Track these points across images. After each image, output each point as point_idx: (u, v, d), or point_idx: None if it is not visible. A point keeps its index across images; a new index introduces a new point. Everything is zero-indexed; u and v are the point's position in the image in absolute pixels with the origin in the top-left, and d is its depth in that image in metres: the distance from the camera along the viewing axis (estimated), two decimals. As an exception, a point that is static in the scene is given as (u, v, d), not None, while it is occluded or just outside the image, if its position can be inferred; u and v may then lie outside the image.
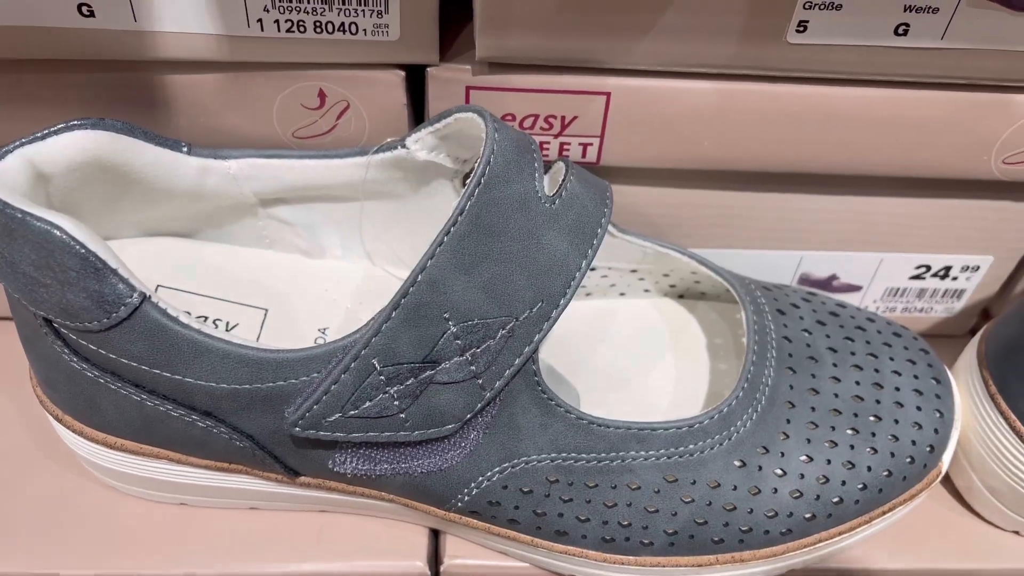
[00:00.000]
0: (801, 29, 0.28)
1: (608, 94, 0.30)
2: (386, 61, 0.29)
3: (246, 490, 0.32)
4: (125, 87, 0.30)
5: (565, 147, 0.32)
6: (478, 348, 0.27)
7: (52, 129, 0.27)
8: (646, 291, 0.38)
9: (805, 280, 0.39)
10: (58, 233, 0.25)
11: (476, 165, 0.26)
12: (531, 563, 0.33)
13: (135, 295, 0.26)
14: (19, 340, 0.29)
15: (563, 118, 0.31)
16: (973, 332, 0.42)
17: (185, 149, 0.30)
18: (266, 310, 0.33)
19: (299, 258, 0.35)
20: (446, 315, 0.26)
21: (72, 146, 0.27)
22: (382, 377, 0.26)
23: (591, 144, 0.32)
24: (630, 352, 0.36)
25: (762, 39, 0.28)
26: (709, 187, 0.35)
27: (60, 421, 0.30)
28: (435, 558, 0.34)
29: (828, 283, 0.39)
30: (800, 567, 0.33)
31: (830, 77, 0.30)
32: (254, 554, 0.33)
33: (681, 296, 0.39)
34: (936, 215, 0.36)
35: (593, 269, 0.37)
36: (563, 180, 0.28)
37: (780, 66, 0.29)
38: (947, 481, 0.36)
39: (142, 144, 0.29)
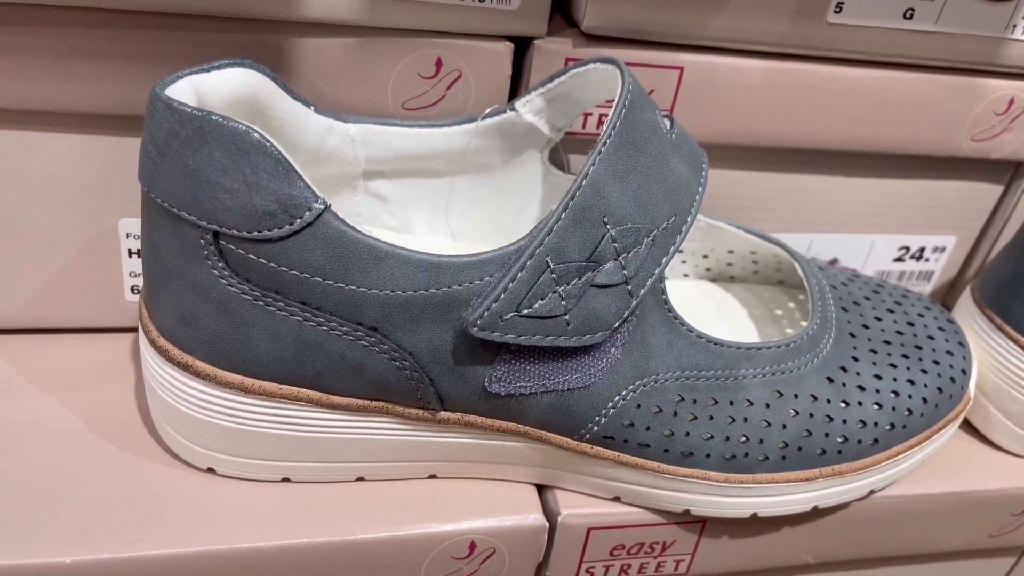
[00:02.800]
0: (838, 10, 0.35)
1: (681, 68, 0.35)
2: (503, 32, 0.33)
3: (369, 441, 0.31)
4: (255, 48, 0.32)
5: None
6: (629, 253, 0.29)
7: (217, 64, 0.28)
8: (685, 275, 0.42)
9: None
10: (256, 135, 0.26)
11: (619, 92, 0.30)
12: (646, 503, 0.34)
13: (320, 200, 0.26)
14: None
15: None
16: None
17: (313, 108, 0.32)
18: (373, 272, 0.34)
19: (390, 233, 0.36)
20: (605, 219, 0.29)
21: (234, 80, 0.29)
22: (553, 275, 0.28)
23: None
24: (689, 319, 0.40)
25: (808, 18, 0.35)
26: (743, 167, 0.40)
27: (188, 369, 0.29)
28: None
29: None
30: (879, 486, 0.36)
31: (855, 58, 0.37)
32: (368, 521, 0.31)
33: (714, 280, 0.43)
34: (913, 195, 0.43)
35: (648, 248, 0.40)
36: (672, 124, 0.32)
37: (820, 44, 0.36)
38: (965, 424, 0.41)
39: (283, 94, 0.31)
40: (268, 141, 0.26)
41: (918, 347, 0.37)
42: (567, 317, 0.29)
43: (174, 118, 0.26)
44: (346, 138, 0.33)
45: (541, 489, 0.34)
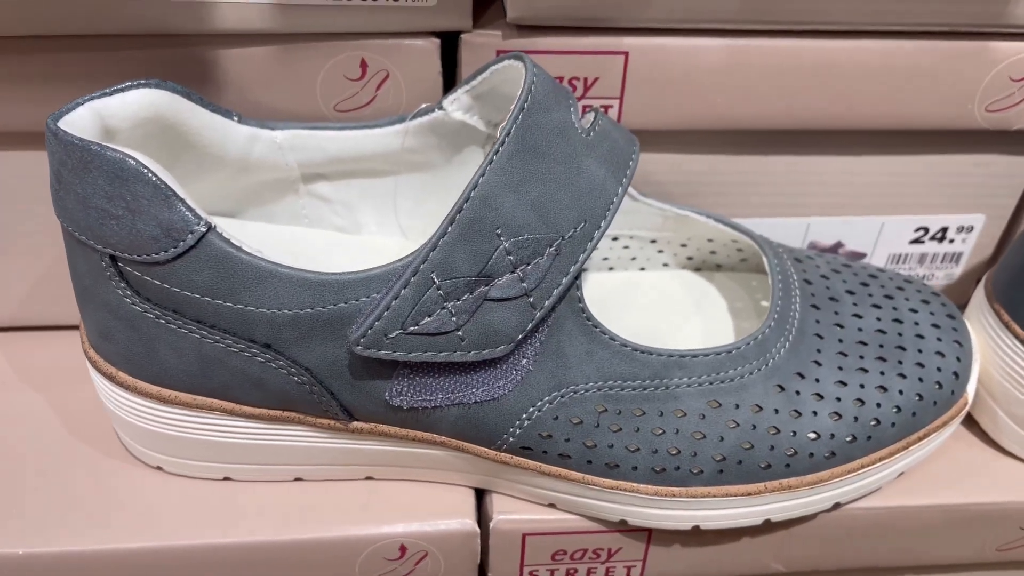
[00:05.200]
0: (798, -21, 0.31)
1: (626, 54, 0.33)
2: (424, 29, 0.32)
3: (295, 447, 0.32)
4: (177, 63, 0.32)
5: (588, 109, 0.34)
6: (528, 265, 0.28)
7: (119, 87, 0.29)
8: (664, 264, 0.40)
9: (813, 248, 0.41)
10: (132, 162, 0.26)
11: (518, 95, 0.28)
12: (581, 511, 0.33)
13: (201, 223, 0.27)
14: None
15: (586, 80, 0.34)
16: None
17: (236, 118, 0.32)
18: (309, 277, 0.34)
19: (338, 235, 0.37)
20: (498, 231, 0.27)
21: (137, 102, 0.29)
22: (440, 292, 0.27)
23: (612, 106, 0.34)
24: (656, 316, 0.38)
25: (763, -8, 0.32)
26: (721, 152, 0.37)
27: (113, 380, 0.31)
28: (480, 520, 0.34)
29: (834, 251, 0.41)
30: (845, 499, 0.33)
31: (828, 29, 0.33)
32: (301, 522, 0.32)
33: (698, 269, 0.40)
34: (929, 172, 0.39)
35: (615, 239, 0.38)
36: (595, 119, 0.30)
37: (782, 18, 0.32)
38: (972, 424, 0.37)
39: (198, 108, 0.31)
40: (144, 168, 0.26)
41: (901, 348, 0.33)
42: (460, 333, 0.28)
43: (61, 148, 0.27)
44: (273, 145, 0.33)
45: (482, 491, 0.34)
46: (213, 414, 0.31)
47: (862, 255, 0.41)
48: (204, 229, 0.27)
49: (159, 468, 0.33)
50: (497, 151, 0.27)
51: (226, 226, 0.35)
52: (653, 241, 0.39)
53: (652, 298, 0.39)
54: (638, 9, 0.32)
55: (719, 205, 0.39)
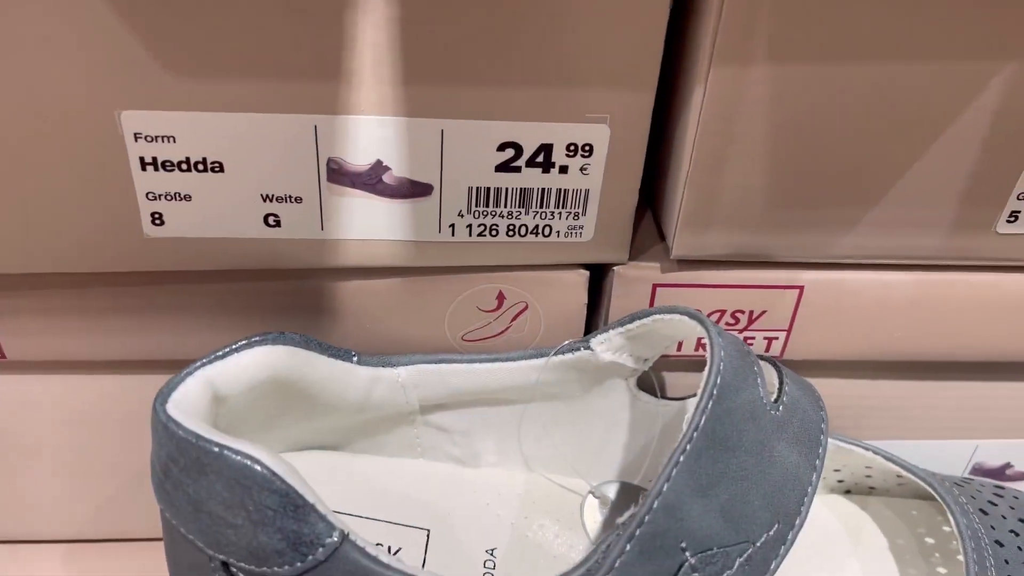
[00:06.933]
0: (1012, 220, 0.27)
1: (801, 288, 0.29)
2: (575, 261, 0.28)
3: None
4: (294, 294, 0.28)
5: (748, 341, 0.30)
6: (715, 580, 0.24)
7: (233, 347, 0.25)
8: (812, 487, 0.36)
9: (978, 469, 0.36)
10: (259, 468, 0.22)
11: (704, 377, 0.24)
12: None
13: (335, 534, 0.23)
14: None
15: (751, 313, 0.29)
16: None
17: (355, 358, 0.28)
18: (428, 531, 0.30)
19: (454, 468, 0.32)
20: (683, 544, 0.23)
21: (253, 365, 0.25)
22: (615, 621, 0.23)
23: (776, 338, 0.30)
24: (811, 559, 0.33)
25: (970, 230, 0.27)
26: (886, 378, 0.33)
27: (210, 676, 0.26)
28: None
29: (1002, 471, 0.37)
30: None
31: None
32: None
33: (848, 491, 0.36)
34: (1120, 398, 0.34)
35: (762, 467, 0.34)
36: (780, 384, 0.26)
37: (985, 256, 0.28)
38: None
39: (317, 357, 0.27)
40: (273, 474, 0.22)
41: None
42: (634, 663, 0.23)
43: (172, 443, 0.23)
44: (395, 385, 0.29)
45: None
46: None
47: (1031, 475, 0.37)
48: (338, 540, 0.23)
49: None
50: (684, 450, 0.23)
51: (333, 460, 0.31)
52: (803, 467, 0.34)
53: (804, 535, 0.34)
54: (820, 247, 0.28)
55: (876, 427, 0.34)
